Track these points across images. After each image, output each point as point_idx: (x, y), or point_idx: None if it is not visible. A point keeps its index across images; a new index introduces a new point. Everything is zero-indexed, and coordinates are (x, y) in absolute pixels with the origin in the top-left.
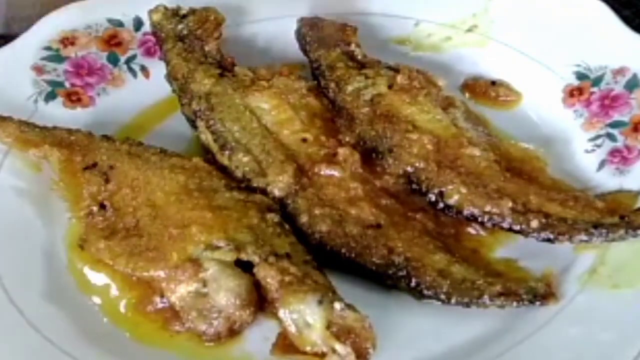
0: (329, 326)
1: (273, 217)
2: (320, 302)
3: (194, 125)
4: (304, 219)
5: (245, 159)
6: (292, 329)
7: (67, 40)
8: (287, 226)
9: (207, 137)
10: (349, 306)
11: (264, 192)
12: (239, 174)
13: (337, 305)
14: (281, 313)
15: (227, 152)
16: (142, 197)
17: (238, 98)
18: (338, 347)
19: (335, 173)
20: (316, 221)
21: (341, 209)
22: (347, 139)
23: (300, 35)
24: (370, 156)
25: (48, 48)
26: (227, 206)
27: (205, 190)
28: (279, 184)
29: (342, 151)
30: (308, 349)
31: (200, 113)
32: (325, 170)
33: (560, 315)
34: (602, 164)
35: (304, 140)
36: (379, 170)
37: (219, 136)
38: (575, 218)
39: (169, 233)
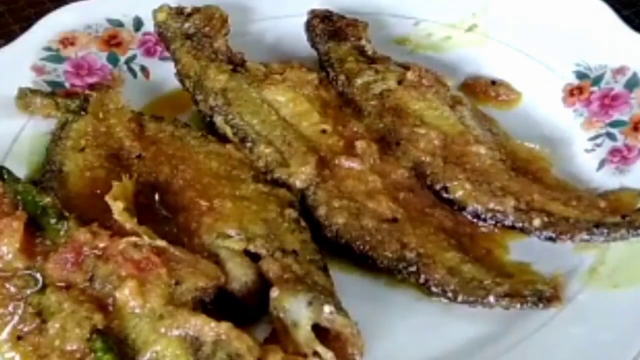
0: (316, 328)
1: (291, 212)
2: (310, 303)
3: (210, 122)
4: (322, 210)
5: (268, 150)
6: (280, 326)
7: (67, 41)
8: (303, 223)
9: (226, 131)
10: (340, 310)
11: (285, 183)
12: (261, 164)
13: (327, 309)
14: (272, 308)
15: (248, 145)
16: (178, 175)
17: (254, 92)
18: (320, 349)
19: (355, 165)
20: (334, 213)
21: (359, 201)
22: (361, 130)
23: (310, 27)
24: (388, 149)
25: (48, 48)
26: (249, 197)
27: (233, 179)
28: (302, 175)
29: (360, 144)
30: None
31: (217, 109)
32: (346, 162)
33: (560, 315)
34: (602, 164)
35: (324, 131)
36: (396, 163)
37: (238, 130)
38: (577, 217)
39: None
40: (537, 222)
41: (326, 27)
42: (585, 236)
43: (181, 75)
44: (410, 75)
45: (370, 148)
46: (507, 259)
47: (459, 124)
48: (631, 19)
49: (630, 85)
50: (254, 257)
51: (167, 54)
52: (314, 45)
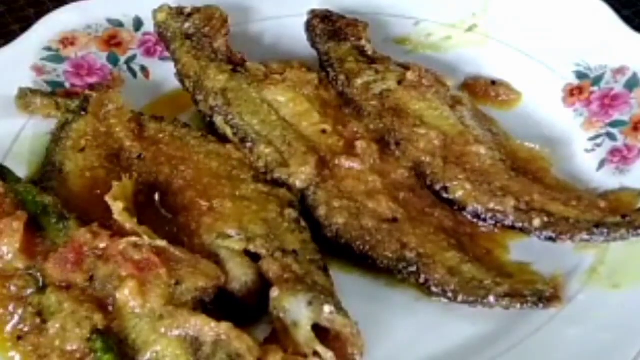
0: (316, 328)
1: (291, 212)
2: (310, 303)
3: (210, 122)
4: (322, 211)
5: (267, 150)
6: (280, 326)
7: (67, 41)
8: (303, 223)
9: (226, 131)
10: (340, 310)
11: (285, 183)
12: (261, 164)
13: (327, 308)
14: (272, 308)
15: (248, 145)
16: (178, 175)
17: (254, 92)
18: (320, 349)
19: (355, 165)
20: (334, 213)
21: (359, 201)
22: (361, 130)
23: (310, 27)
24: (388, 149)
25: (48, 48)
26: (249, 197)
27: (232, 179)
28: (301, 175)
29: (360, 144)
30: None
31: (217, 109)
32: (346, 162)
33: (560, 315)
34: (602, 164)
35: (324, 131)
36: (396, 164)
37: (238, 130)
38: (577, 217)
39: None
40: (537, 222)
41: (326, 27)
42: (585, 236)
43: (181, 75)
44: (410, 75)
45: (370, 148)
46: (507, 259)
47: (459, 124)
48: (631, 19)
49: (630, 85)
50: (254, 257)
51: (167, 54)
52: (314, 45)
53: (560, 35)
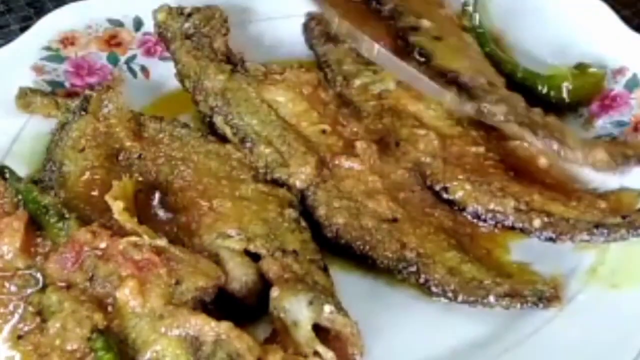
0: (316, 328)
1: (291, 212)
2: (310, 303)
3: (210, 122)
4: (321, 211)
5: (267, 150)
6: (280, 326)
7: (67, 41)
8: (303, 223)
9: (226, 131)
10: (340, 310)
11: (285, 183)
12: (261, 164)
13: (327, 308)
14: (272, 308)
15: (248, 145)
16: (178, 175)
17: (253, 92)
18: (320, 349)
19: (355, 165)
20: (334, 213)
21: (359, 201)
22: (361, 130)
23: (307, 29)
24: (387, 149)
25: (48, 48)
26: (248, 197)
27: (232, 179)
28: (301, 175)
29: (360, 144)
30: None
31: (217, 109)
32: (345, 162)
33: (560, 315)
34: None
35: (323, 131)
36: (396, 164)
37: (238, 130)
38: (577, 218)
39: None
40: (537, 222)
41: (323, 29)
42: (585, 237)
43: (181, 75)
44: None
45: (370, 148)
46: (507, 259)
47: (458, 125)
48: (631, 19)
49: (630, 85)
50: (254, 257)
51: (167, 54)
52: (311, 47)
53: (560, 35)
